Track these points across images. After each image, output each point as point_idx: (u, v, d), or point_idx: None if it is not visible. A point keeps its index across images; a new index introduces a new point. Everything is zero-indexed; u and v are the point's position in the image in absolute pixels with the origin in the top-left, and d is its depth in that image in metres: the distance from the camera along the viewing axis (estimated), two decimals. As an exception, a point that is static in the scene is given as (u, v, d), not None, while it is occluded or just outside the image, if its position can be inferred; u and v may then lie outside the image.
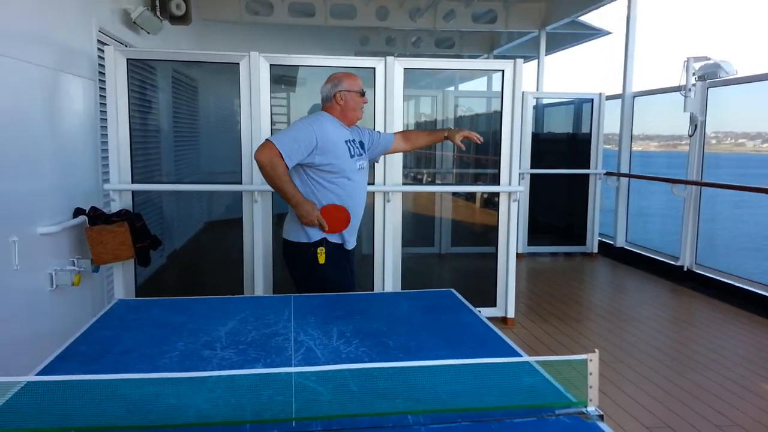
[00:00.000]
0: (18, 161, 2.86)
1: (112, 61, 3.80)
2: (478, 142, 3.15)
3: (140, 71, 4.23)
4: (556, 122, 8.03)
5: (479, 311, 2.27)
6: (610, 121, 7.15)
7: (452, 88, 8.97)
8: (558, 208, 7.65)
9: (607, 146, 8.42)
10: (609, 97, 7.08)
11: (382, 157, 4.11)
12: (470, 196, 6.92)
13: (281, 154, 2.63)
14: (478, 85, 4.84)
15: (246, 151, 3.97)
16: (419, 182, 6.67)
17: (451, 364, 1.48)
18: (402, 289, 4.22)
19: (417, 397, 1.46)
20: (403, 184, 4.28)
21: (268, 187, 3.96)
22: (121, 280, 3.85)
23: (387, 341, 1.90)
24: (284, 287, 4.09)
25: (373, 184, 4.14)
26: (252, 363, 1.71)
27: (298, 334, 1.95)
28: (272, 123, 4.03)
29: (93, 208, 3.59)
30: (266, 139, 2.70)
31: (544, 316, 4.68)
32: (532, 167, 6.98)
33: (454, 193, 6.44)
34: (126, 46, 4.73)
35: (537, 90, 8.89)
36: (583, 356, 1.39)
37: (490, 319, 4.30)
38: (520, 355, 1.78)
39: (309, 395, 1.47)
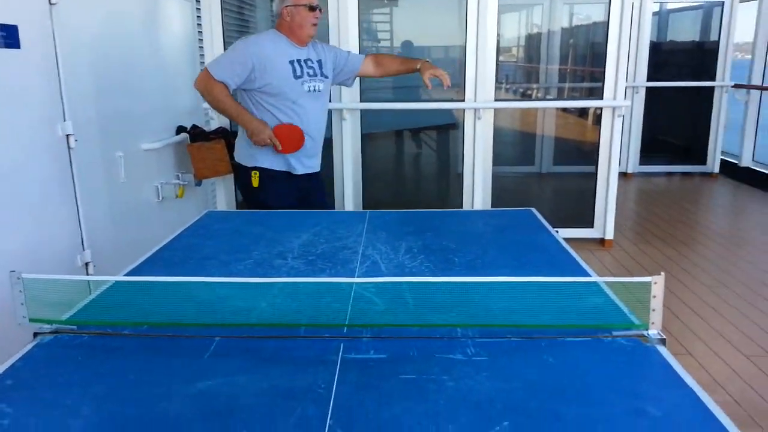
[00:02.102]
0: (122, 82, 3.06)
1: (206, -20, 3.87)
2: (447, 85, 2.77)
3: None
4: (682, 30, 7.23)
5: (557, 231, 2.18)
6: (744, 29, 6.34)
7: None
8: (677, 125, 7.02)
9: (740, 55, 7.51)
10: (743, 0, 6.25)
11: (472, 71, 3.96)
12: (582, 112, 6.51)
13: (215, 79, 2.58)
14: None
15: (334, 69, 3.95)
16: (527, 97, 6.35)
17: (508, 281, 1.44)
18: (492, 208, 4.15)
19: (471, 312, 1.45)
20: (506, 99, 4.11)
21: (357, 106, 4.01)
22: (223, 194, 4.09)
23: (453, 258, 1.89)
24: (374, 204, 4.17)
25: (464, 100, 4.01)
26: (317, 273, 1.78)
27: (367, 248, 1.99)
28: (361, 41, 3.97)
29: (194, 126, 3.79)
30: (204, 66, 2.65)
31: (647, 238, 4.44)
32: (650, 80, 6.42)
33: (564, 109, 6.09)
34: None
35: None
36: (647, 278, 1.30)
37: (585, 240, 4.21)
38: (590, 275, 1.70)
39: (364, 305, 1.51)
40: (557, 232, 2.17)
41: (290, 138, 2.70)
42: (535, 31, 6.54)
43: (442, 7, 4.46)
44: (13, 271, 1.32)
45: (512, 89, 6.36)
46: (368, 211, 2.48)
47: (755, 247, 4.19)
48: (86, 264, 2.73)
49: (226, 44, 4.00)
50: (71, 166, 2.62)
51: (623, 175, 6.61)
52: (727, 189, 6.09)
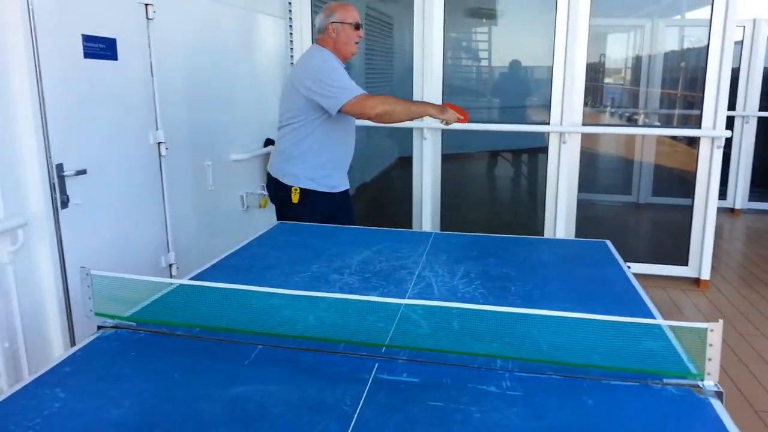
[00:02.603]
0: (215, 94, 3.26)
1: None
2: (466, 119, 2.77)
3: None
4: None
5: (629, 266, 2.06)
6: None
7: (678, 17, 7.89)
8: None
9: None
10: None
11: (559, 94, 3.87)
12: (691, 140, 6.13)
13: (364, 94, 2.57)
14: (704, 13, 4.18)
15: (417, 89, 4.01)
16: (631, 121, 6.07)
17: (557, 315, 1.39)
18: (576, 238, 4.00)
19: (515, 343, 1.40)
20: (603, 124, 3.97)
21: (438, 125, 4.01)
22: (304, 207, 4.22)
23: (510, 286, 1.85)
24: (451, 227, 4.14)
25: (548, 123, 3.92)
26: (370, 290, 1.79)
27: (424, 270, 1.98)
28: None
29: (282, 140, 3.95)
30: (353, 98, 2.55)
31: (750, 281, 4.09)
32: (762, 109, 5.95)
33: (672, 136, 5.75)
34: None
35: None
36: (704, 325, 1.20)
37: (679, 279, 3.95)
38: (653, 317, 1.60)
39: (409, 326, 1.51)
40: (629, 267, 2.06)
41: (461, 111, 2.72)
42: (635, 53, 6.27)
43: (537, 28, 4.38)
44: (83, 267, 1.44)
45: (609, 112, 6.12)
46: (433, 232, 2.48)
47: None
48: (170, 265, 2.91)
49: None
50: (161, 172, 2.82)
51: (730, 211, 6.16)
52: None
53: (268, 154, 3.83)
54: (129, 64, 2.59)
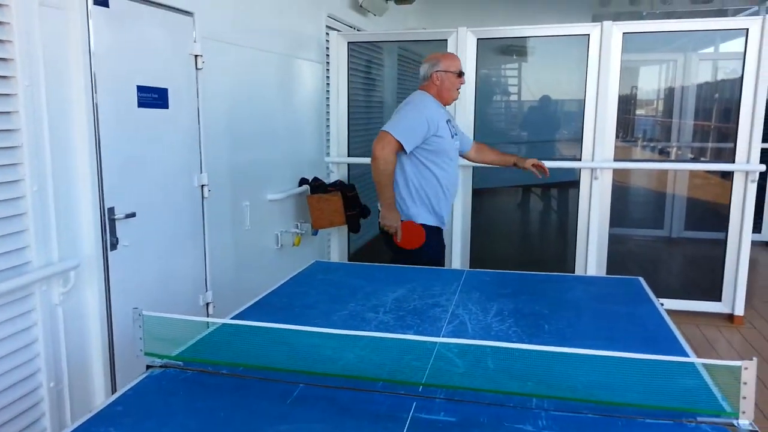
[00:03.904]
0: (255, 137, 3.39)
1: (335, 45, 4.21)
2: (543, 175, 3.08)
3: (367, 51, 4.59)
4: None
5: (662, 304, 2.07)
6: None
7: (710, 50, 7.88)
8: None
9: None
10: None
11: (591, 129, 3.90)
12: (725, 174, 6.06)
13: (400, 143, 2.74)
14: (737, 45, 4.22)
15: (450, 127, 4.08)
16: (664, 154, 6.03)
17: (592, 354, 1.41)
18: (607, 274, 3.98)
19: (550, 382, 1.43)
20: (636, 160, 4.00)
21: (468, 162, 4.08)
22: (336, 244, 4.31)
23: (543, 324, 1.87)
24: (481, 263, 4.17)
25: (580, 159, 3.95)
26: (405, 329, 1.84)
27: (457, 307, 2.02)
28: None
29: (315, 179, 4.07)
30: (383, 131, 2.77)
31: (787, 317, 4.00)
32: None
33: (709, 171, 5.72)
34: (354, 28, 5.16)
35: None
36: (738, 363, 1.22)
37: (712, 315, 3.88)
38: (687, 355, 1.61)
39: (444, 365, 1.55)
40: (662, 304, 2.07)
41: (411, 235, 2.89)
42: (667, 86, 6.27)
43: (568, 63, 4.44)
44: (136, 308, 1.53)
45: (641, 145, 6.11)
46: (465, 270, 2.52)
47: None
48: (207, 304, 3.00)
49: (351, 101, 4.30)
50: (203, 213, 2.93)
51: (765, 245, 6.03)
52: None
53: (301, 194, 3.95)
54: (178, 111, 2.74)
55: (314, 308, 2.04)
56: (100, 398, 2.35)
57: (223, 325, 1.79)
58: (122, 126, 2.40)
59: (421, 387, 1.44)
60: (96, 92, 2.24)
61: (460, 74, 2.93)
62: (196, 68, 2.84)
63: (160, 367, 1.54)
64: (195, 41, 2.81)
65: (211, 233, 2.98)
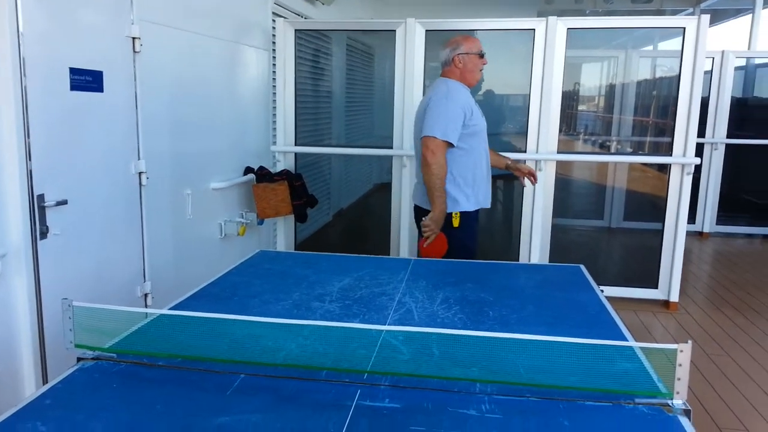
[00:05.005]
0: (197, 124, 3.28)
1: (281, 32, 4.12)
2: (531, 183, 3.22)
3: (315, 40, 4.51)
4: (768, 85, 6.94)
5: (602, 290, 2.12)
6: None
7: (650, 48, 8.15)
8: (758, 184, 6.66)
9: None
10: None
11: (536, 123, 3.98)
12: (662, 166, 6.29)
13: (449, 143, 2.72)
14: (675, 44, 4.37)
15: (397, 117, 4.08)
16: (605, 148, 6.20)
17: (534, 339, 1.43)
18: (550, 262, 4.07)
19: (493, 368, 1.44)
20: (578, 152, 4.08)
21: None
22: (283, 234, 4.24)
23: (488, 311, 1.89)
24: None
25: (525, 151, 4.01)
26: (351, 317, 1.82)
27: (404, 296, 2.02)
28: (425, 87, 4.08)
29: (261, 168, 3.98)
30: (426, 137, 2.73)
31: (717, 304, 4.19)
32: (731, 136, 6.16)
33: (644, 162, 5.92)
34: (302, 16, 5.07)
35: (749, 49, 7.72)
36: (674, 346, 1.25)
37: (649, 301, 4.03)
38: (626, 339, 1.65)
39: (390, 353, 1.53)
40: (602, 291, 2.12)
41: (438, 248, 2.80)
42: (609, 82, 6.47)
43: (514, 58, 4.49)
44: (65, 299, 1.44)
45: (583, 139, 6.27)
46: (413, 259, 2.52)
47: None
48: (145, 295, 2.89)
49: (298, 90, 4.22)
50: (141, 201, 2.82)
51: (698, 235, 6.32)
52: (814, 254, 5.68)
53: (247, 183, 3.86)
54: (114, 95, 2.61)
55: (257, 298, 1.99)
56: (30, 392, 2.23)
57: (160, 315, 1.72)
58: (53, 110, 2.27)
59: (366, 375, 1.42)
60: (25, 75, 2.11)
61: (482, 55, 2.91)
62: (134, 51, 2.72)
63: (92, 359, 1.46)
64: (133, 23, 2.69)
65: (149, 222, 2.87)
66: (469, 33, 2.94)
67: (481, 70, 2.92)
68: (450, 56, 2.88)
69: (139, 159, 2.78)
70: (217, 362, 1.46)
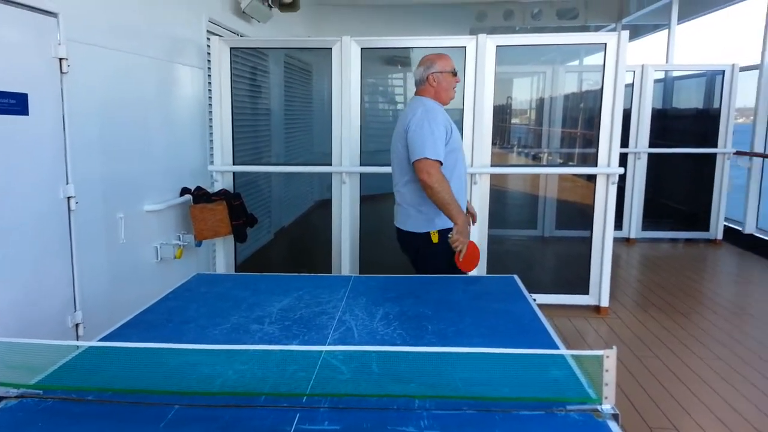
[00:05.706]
0: (130, 145, 3.20)
1: (216, 50, 4.08)
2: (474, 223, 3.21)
3: (252, 58, 4.47)
4: (686, 97, 7.37)
5: (534, 299, 2.19)
6: (746, 95, 6.45)
7: (576, 63, 8.52)
8: (680, 191, 7.05)
9: (743, 119, 7.58)
10: (744, 69, 6.38)
11: (470, 137, 4.08)
12: (590, 176, 6.56)
13: (441, 162, 2.72)
14: (598, 59, 4.59)
15: (336, 134, 4.10)
16: (537, 160, 6.40)
17: (470, 352, 1.46)
18: (487, 273, 4.16)
19: (432, 382, 1.46)
20: (511, 165, 4.19)
21: (356, 169, 4.11)
22: (222, 255, 4.16)
23: (427, 325, 1.91)
24: (371, 268, 4.21)
25: (460, 165, 4.10)
26: (290, 339, 1.81)
27: (344, 314, 2.02)
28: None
29: (198, 188, 3.91)
30: (419, 160, 2.71)
31: (645, 307, 4.39)
32: (653, 146, 6.50)
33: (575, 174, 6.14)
34: (238, 34, 5.03)
35: (667, 62, 8.20)
36: (599, 352, 1.31)
37: (581, 307, 4.18)
38: (557, 347, 1.71)
39: (329, 373, 1.53)
40: (535, 300, 2.19)
41: (472, 257, 2.81)
42: (538, 96, 6.72)
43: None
44: (-15, 334, 1.38)
45: (516, 151, 6.47)
46: (352, 276, 2.53)
47: (757, 318, 4.12)
48: (77, 325, 2.78)
49: (235, 108, 4.18)
50: (70, 228, 2.71)
51: (626, 241, 6.61)
52: (730, 256, 6.04)
53: (183, 204, 3.78)
54: (41, 118, 2.52)
55: (193, 323, 1.95)
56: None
57: (89, 348, 1.66)
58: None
59: (305, 398, 1.42)
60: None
61: (455, 73, 2.92)
62: (61, 72, 2.63)
63: (16, 397, 1.39)
64: (60, 44, 2.61)
65: (79, 248, 2.76)
66: (441, 51, 2.94)
67: (454, 88, 2.95)
68: (424, 75, 2.89)
69: (67, 183, 2.68)
70: (151, 393, 1.42)
